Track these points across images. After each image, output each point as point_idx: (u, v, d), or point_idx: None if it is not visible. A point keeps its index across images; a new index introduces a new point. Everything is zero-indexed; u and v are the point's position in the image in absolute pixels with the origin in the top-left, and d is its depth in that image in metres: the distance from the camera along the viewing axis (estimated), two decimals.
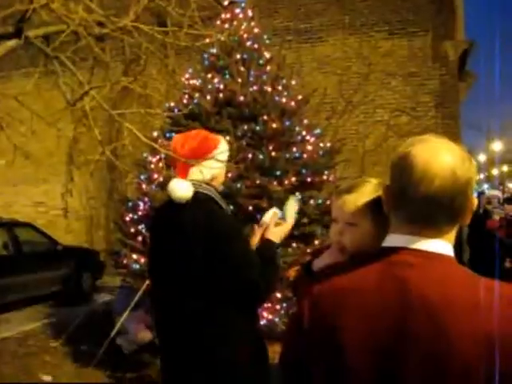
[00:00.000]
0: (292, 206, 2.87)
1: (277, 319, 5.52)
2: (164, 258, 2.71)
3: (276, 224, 2.82)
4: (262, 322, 5.24)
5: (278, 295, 5.27)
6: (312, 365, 1.44)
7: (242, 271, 2.53)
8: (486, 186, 55.45)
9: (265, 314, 5.30)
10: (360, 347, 1.31)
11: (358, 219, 1.76)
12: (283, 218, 2.85)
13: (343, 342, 1.33)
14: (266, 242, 2.76)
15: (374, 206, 1.72)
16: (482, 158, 57.89)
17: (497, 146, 51.93)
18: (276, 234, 2.80)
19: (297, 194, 2.93)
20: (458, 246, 10.79)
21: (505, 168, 56.94)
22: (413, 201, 1.34)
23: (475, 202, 1.38)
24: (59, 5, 3.23)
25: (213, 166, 2.74)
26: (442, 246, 1.35)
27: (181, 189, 2.60)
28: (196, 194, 2.64)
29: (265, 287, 2.64)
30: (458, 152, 1.35)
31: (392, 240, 1.41)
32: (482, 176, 66.42)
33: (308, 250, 5.48)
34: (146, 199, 5.72)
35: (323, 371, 1.41)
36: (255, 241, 2.80)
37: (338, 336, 1.35)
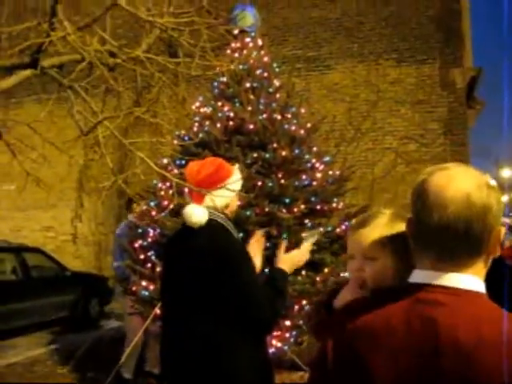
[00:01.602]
0: (313, 236, 2.90)
1: (286, 347, 5.49)
2: (175, 282, 2.75)
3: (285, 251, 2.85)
4: (271, 350, 5.21)
5: (288, 323, 5.25)
6: None
7: (251, 300, 2.55)
8: None
9: (274, 341, 5.27)
10: None
11: (376, 252, 1.70)
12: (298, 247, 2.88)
13: (371, 380, 1.28)
14: (276, 271, 2.77)
15: (392, 237, 1.68)
16: (489, 178, 57.64)
17: (506, 172, 51.82)
18: (287, 262, 2.81)
19: (320, 229, 2.97)
20: None
21: None
22: (428, 229, 1.30)
23: (502, 230, 1.31)
24: (75, 37, 3.30)
25: (226, 195, 2.78)
26: (470, 280, 1.29)
27: (197, 214, 2.64)
28: (210, 221, 2.69)
29: (272, 316, 2.66)
30: (474, 178, 1.31)
31: (417, 275, 1.36)
32: None
33: (318, 278, 5.47)
34: (156, 226, 5.73)
35: None
36: (258, 263, 2.84)
37: (366, 373, 1.29)
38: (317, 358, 1.46)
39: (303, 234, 2.96)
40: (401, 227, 1.66)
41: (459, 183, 1.29)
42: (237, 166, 3.07)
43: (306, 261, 2.92)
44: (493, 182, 1.33)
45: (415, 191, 1.36)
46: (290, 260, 2.83)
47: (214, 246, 2.61)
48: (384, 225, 1.72)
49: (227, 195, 2.78)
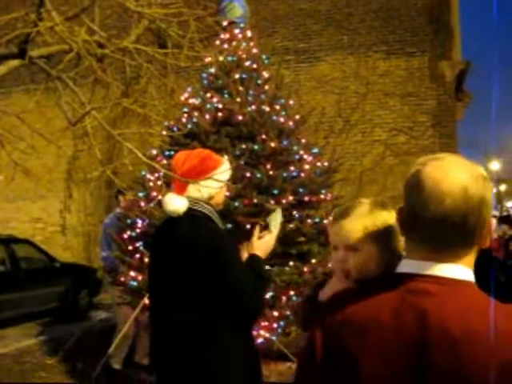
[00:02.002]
0: (275, 217, 2.90)
1: (274, 337, 5.53)
2: (160, 273, 2.76)
3: (259, 236, 2.86)
4: (259, 340, 5.25)
5: (275, 313, 5.28)
6: None
7: (236, 288, 2.57)
8: None
9: (262, 332, 5.31)
10: (378, 376, 1.26)
11: (359, 243, 1.68)
12: (268, 229, 2.89)
13: (362, 377, 1.27)
14: (252, 258, 2.79)
15: (374, 227, 1.67)
16: (482, 169, 57.89)
17: (495, 165, 52.09)
18: (260, 247, 2.82)
19: (279, 209, 2.99)
20: None
21: (503, 187, 57.05)
22: (424, 221, 1.29)
23: (493, 223, 1.32)
24: (63, 27, 3.29)
25: (210, 186, 2.78)
26: (461, 271, 1.29)
27: (173, 203, 2.65)
28: (192, 211, 2.70)
29: (258, 303, 2.69)
30: (470, 170, 1.30)
31: (407, 265, 1.36)
32: None
33: (305, 269, 5.51)
34: (145, 217, 5.75)
35: None
36: (244, 257, 2.84)
37: (354, 364, 1.29)
38: (305, 350, 1.46)
39: (267, 219, 2.97)
40: (382, 216, 1.68)
41: (455, 175, 1.28)
42: (226, 157, 3.08)
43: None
44: (485, 173, 1.33)
45: (409, 182, 1.35)
46: (264, 245, 2.83)
47: (193, 235, 2.61)
48: (365, 214, 1.71)
49: (212, 186, 2.78)
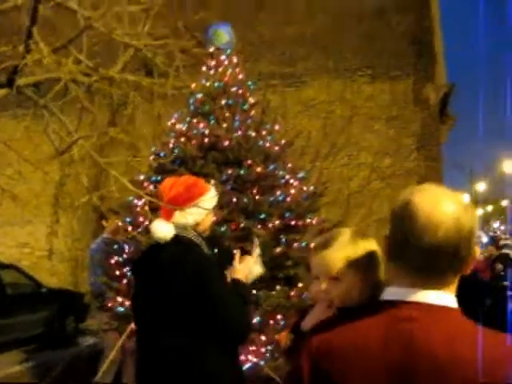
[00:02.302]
0: (256, 247, 2.98)
1: (262, 362, 5.53)
2: (146, 298, 2.79)
3: (240, 261, 2.92)
4: (247, 365, 5.25)
5: (263, 338, 5.29)
6: None
7: (224, 311, 2.61)
8: None
9: (250, 357, 5.30)
10: None
11: (342, 273, 1.71)
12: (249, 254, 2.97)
13: None
14: (234, 282, 2.84)
15: (356, 256, 1.70)
16: (466, 198, 58.31)
17: (481, 186, 52.44)
18: (242, 271, 2.88)
19: (256, 240, 3.09)
20: None
21: (489, 208, 57.38)
22: (416, 250, 1.31)
23: (478, 250, 1.36)
24: (51, 60, 3.35)
25: (196, 212, 2.83)
26: (447, 297, 1.33)
27: (162, 230, 2.71)
28: (179, 237, 2.75)
29: (246, 327, 2.73)
30: (460, 200, 1.34)
31: (394, 292, 1.38)
32: None
33: (292, 293, 5.53)
34: (132, 242, 5.76)
35: None
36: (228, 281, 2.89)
37: None
38: (291, 379, 1.48)
39: (248, 248, 3.04)
40: (363, 245, 1.73)
41: (447, 206, 1.32)
42: (212, 183, 3.14)
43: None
44: (468, 202, 1.38)
45: (399, 212, 1.37)
46: (245, 269, 2.90)
47: (180, 261, 2.66)
48: (347, 244, 1.74)
49: (198, 213, 2.84)
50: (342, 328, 1.40)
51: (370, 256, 1.71)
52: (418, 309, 1.30)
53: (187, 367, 2.59)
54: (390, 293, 1.39)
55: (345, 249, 1.73)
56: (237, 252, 3.03)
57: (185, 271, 2.62)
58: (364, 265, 1.70)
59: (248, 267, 2.91)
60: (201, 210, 2.83)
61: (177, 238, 2.74)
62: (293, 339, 1.94)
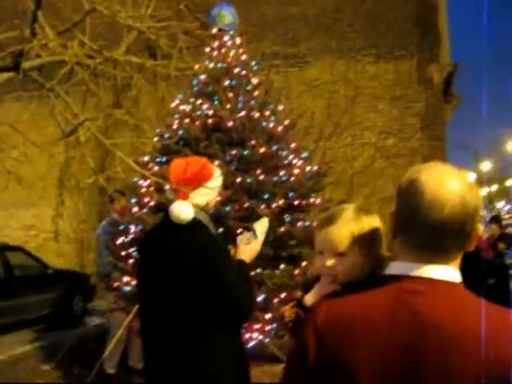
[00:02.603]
0: (262, 225, 3.00)
1: (267, 340, 5.60)
2: (156, 277, 2.82)
3: (247, 243, 2.96)
4: (252, 343, 5.33)
5: (268, 316, 5.36)
6: None
7: (234, 293, 2.67)
8: None
9: (255, 334, 5.38)
10: (374, 377, 1.29)
11: (346, 248, 1.72)
12: (254, 237, 3.00)
13: (356, 373, 1.31)
14: (238, 262, 2.89)
15: (360, 232, 1.71)
16: (472, 176, 58.21)
17: (485, 165, 52.30)
18: (246, 253, 2.93)
19: (266, 217, 3.12)
20: None
21: (494, 187, 57.25)
22: (423, 226, 1.34)
23: (481, 228, 1.40)
24: (56, 43, 3.38)
25: (209, 193, 2.89)
26: (451, 272, 1.36)
27: (185, 212, 2.74)
28: (193, 218, 2.78)
29: (251, 306, 2.80)
30: (465, 179, 1.38)
31: (399, 267, 1.40)
32: None
33: (296, 272, 5.59)
34: (137, 223, 5.81)
35: None
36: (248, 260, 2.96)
37: (349, 367, 1.32)
38: (296, 353, 1.48)
39: (253, 224, 3.08)
40: (366, 221, 1.74)
41: (454, 184, 1.35)
42: (216, 163, 3.18)
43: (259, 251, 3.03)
44: (473, 180, 1.41)
45: (406, 190, 1.40)
46: (250, 251, 2.95)
47: (197, 243, 2.72)
48: (351, 220, 1.75)
49: (209, 193, 2.90)
50: (347, 302, 1.42)
51: (374, 232, 1.72)
52: (423, 283, 1.33)
53: (193, 343, 2.64)
54: (395, 267, 1.42)
55: (349, 225, 1.74)
56: (242, 232, 3.09)
57: (196, 251, 2.68)
58: (368, 241, 1.72)
59: (253, 249, 2.96)
60: (212, 191, 2.89)
61: (192, 220, 2.77)
62: (296, 314, 1.92)
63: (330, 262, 1.75)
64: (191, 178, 2.84)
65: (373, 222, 1.75)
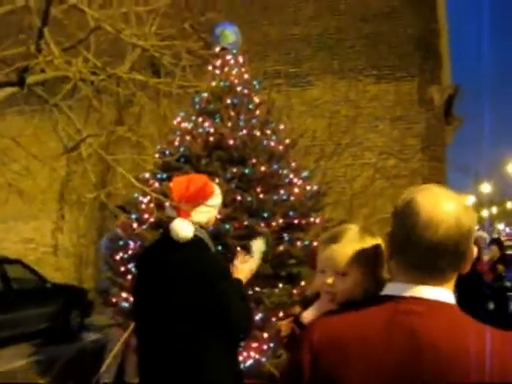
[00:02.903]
0: (259, 244, 3.03)
1: (264, 359, 5.58)
2: (154, 294, 2.82)
3: (242, 261, 2.98)
4: (249, 362, 5.31)
5: (265, 335, 5.35)
6: None
7: (227, 308, 2.67)
8: (475, 227, 55.71)
9: (252, 353, 5.36)
10: None
11: (348, 268, 1.73)
12: (251, 256, 3.01)
13: None
14: (237, 282, 2.89)
15: (363, 253, 1.72)
16: (471, 199, 58.35)
17: (485, 187, 52.36)
18: (242, 272, 2.94)
19: (262, 237, 3.15)
20: None
21: (494, 210, 57.26)
22: (418, 247, 1.36)
23: (475, 250, 1.41)
24: (61, 61, 3.42)
25: (210, 210, 2.92)
26: (445, 294, 1.37)
27: (185, 230, 2.76)
28: (194, 236, 2.80)
29: (250, 325, 2.81)
30: (460, 201, 1.40)
31: (394, 288, 1.42)
32: None
33: (295, 291, 5.59)
34: (137, 239, 5.82)
35: None
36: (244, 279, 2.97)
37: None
38: (291, 370, 1.50)
39: (250, 243, 3.09)
40: (370, 242, 1.75)
41: (449, 205, 1.38)
42: (217, 181, 3.21)
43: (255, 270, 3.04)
44: (468, 203, 1.46)
45: (402, 210, 1.42)
46: (246, 270, 2.96)
47: (198, 260, 2.74)
48: (355, 240, 1.76)
49: (210, 211, 2.93)
50: (342, 321, 1.44)
51: (377, 253, 1.73)
52: (419, 303, 1.34)
53: (187, 365, 2.65)
54: (391, 288, 1.44)
55: (353, 244, 1.75)
56: (239, 251, 3.11)
57: (196, 268, 2.69)
58: (371, 262, 1.73)
59: (249, 268, 2.98)
60: (212, 209, 2.93)
61: (192, 237, 2.79)
62: (292, 329, 1.94)
63: (330, 280, 1.76)
64: (193, 196, 2.86)
65: (376, 243, 1.75)
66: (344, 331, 1.39)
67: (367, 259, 1.73)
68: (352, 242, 1.75)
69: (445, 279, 1.38)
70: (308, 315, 1.88)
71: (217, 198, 2.99)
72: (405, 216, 1.40)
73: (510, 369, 1.23)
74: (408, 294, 1.37)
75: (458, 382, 1.22)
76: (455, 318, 1.34)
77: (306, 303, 2.01)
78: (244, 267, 2.95)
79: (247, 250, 3.11)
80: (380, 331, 1.34)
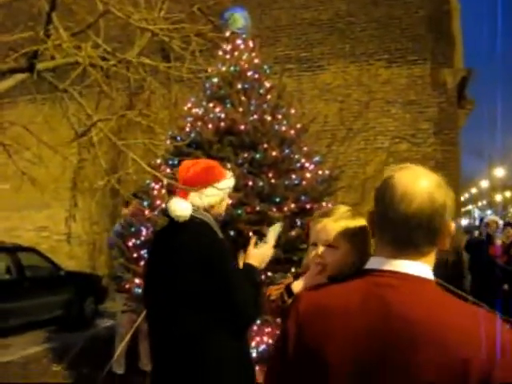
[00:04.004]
0: (275, 230, 2.98)
1: None
2: (158, 277, 2.83)
3: (254, 247, 2.95)
4: (262, 347, 5.31)
5: (278, 320, 5.34)
6: None
7: (231, 293, 2.64)
8: (489, 212, 55.60)
9: (265, 338, 5.37)
10: (344, 369, 1.36)
11: (339, 242, 1.83)
12: (263, 242, 2.98)
13: (328, 364, 1.39)
14: (245, 266, 2.88)
15: (354, 229, 1.82)
16: (485, 184, 58.03)
17: (499, 172, 52.05)
18: (255, 257, 2.90)
19: (280, 223, 3.10)
20: (459, 273, 10.87)
21: (508, 194, 56.95)
22: (394, 222, 1.43)
23: (452, 226, 1.46)
24: (70, 44, 3.40)
25: (210, 195, 2.85)
26: (422, 268, 1.42)
27: (180, 208, 2.72)
28: (194, 218, 2.77)
29: (255, 311, 2.77)
30: (434, 178, 1.46)
31: (375, 262, 1.48)
32: (484, 202, 66.48)
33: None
34: (149, 225, 5.83)
35: None
36: (240, 264, 2.94)
37: (324, 357, 1.40)
38: (279, 338, 1.57)
39: (266, 229, 3.06)
40: (360, 220, 1.85)
41: (422, 181, 1.43)
42: (229, 166, 3.17)
43: (271, 256, 2.99)
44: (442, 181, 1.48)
45: (381, 188, 1.49)
46: (260, 255, 2.92)
47: (196, 243, 2.69)
48: (346, 217, 1.88)
49: (213, 195, 2.87)
50: (328, 292, 1.51)
51: (365, 231, 1.80)
52: (394, 277, 1.40)
53: (193, 352, 2.64)
54: (372, 262, 1.49)
55: (343, 220, 1.87)
56: (252, 237, 3.08)
57: (195, 252, 2.65)
58: (360, 238, 1.82)
59: (263, 254, 2.95)
60: (215, 192, 2.86)
61: (191, 219, 2.75)
62: (282, 297, 2.05)
63: (320, 250, 1.87)
64: (192, 178, 2.84)
65: (365, 221, 1.82)
66: (327, 303, 1.46)
67: (355, 235, 1.82)
68: (342, 218, 1.88)
69: (421, 254, 1.42)
70: (298, 285, 1.98)
71: (221, 186, 2.94)
72: (383, 192, 1.47)
73: (478, 343, 1.24)
74: (385, 267, 1.43)
75: (425, 352, 1.25)
76: (429, 291, 1.38)
77: (297, 275, 2.10)
78: (256, 252, 2.93)
79: (260, 235, 3.09)
80: (357, 303, 1.40)
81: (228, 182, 3.00)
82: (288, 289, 2.04)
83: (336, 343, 1.39)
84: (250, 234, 3.07)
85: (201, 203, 2.84)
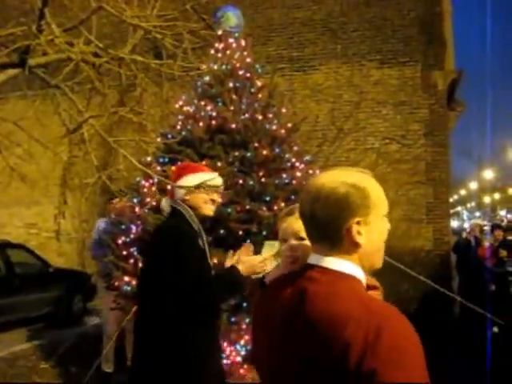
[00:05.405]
0: (272, 247, 2.93)
1: None
2: (141, 274, 3.07)
3: (246, 254, 3.03)
4: (248, 347, 5.32)
5: None
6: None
7: (182, 274, 2.72)
8: (477, 213, 55.92)
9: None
10: (264, 354, 1.54)
11: (304, 234, 1.91)
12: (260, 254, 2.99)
13: (255, 339, 1.64)
14: (229, 268, 2.96)
15: None
16: (474, 185, 58.31)
17: (488, 174, 52.30)
18: (244, 263, 2.95)
19: (278, 242, 3.11)
20: (447, 274, 10.93)
21: (496, 196, 57.23)
22: (308, 220, 1.52)
23: (355, 228, 1.46)
24: (62, 40, 3.40)
25: (184, 185, 3.05)
26: (341, 264, 1.46)
27: (162, 205, 3.13)
28: (173, 208, 3.03)
29: (212, 298, 2.81)
30: (339, 178, 1.49)
31: (310, 257, 1.56)
32: (473, 204, 66.81)
33: None
34: (139, 222, 5.82)
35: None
36: (227, 264, 3.04)
37: (258, 341, 1.62)
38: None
39: (265, 242, 3.05)
40: None
41: (330, 183, 1.48)
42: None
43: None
44: (361, 184, 1.50)
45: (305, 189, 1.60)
46: (248, 263, 2.95)
47: (158, 228, 3.02)
48: None
49: (186, 185, 3.04)
50: (276, 283, 1.67)
51: None
52: (318, 271, 1.47)
53: (166, 348, 2.70)
54: (310, 257, 1.57)
55: None
56: (247, 245, 3.12)
57: (162, 243, 2.83)
58: None
59: (252, 263, 2.95)
60: (188, 183, 3.05)
61: (172, 210, 3.03)
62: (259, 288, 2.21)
63: (290, 245, 2.04)
64: (174, 172, 3.19)
65: None
66: (272, 292, 1.62)
67: None
68: None
69: (337, 250, 1.47)
70: (269, 276, 2.16)
71: (192, 179, 3.06)
72: (303, 194, 1.57)
73: (360, 330, 1.26)
74: (314, 262, 1.51)
75: (316, 340, 1.32)
76: (344, 286, 1.41)
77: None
78: (247, 260, 2.96)
79: (251, 234, 3.14)
80: (285, 293, 1.51)
81: (203, 175, 3.09)
82: (262, 281, 2.23)
83: (258, 328, 1.62)
84: (248, 241, 3.07)
85: (178, 195, 3.05)
